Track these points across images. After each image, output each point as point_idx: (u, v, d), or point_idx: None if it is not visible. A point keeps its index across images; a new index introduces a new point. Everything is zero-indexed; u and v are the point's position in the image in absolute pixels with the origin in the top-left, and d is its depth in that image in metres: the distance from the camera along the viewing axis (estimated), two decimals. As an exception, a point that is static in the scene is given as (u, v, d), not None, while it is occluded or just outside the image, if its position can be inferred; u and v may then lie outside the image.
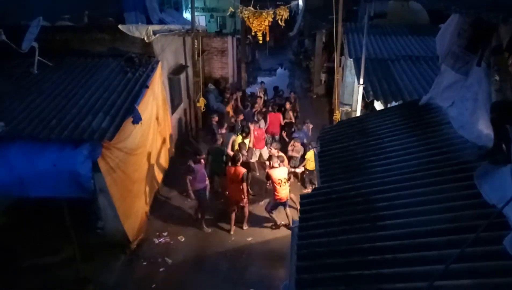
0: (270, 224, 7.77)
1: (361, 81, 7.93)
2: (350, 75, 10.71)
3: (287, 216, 7.57)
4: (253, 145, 9.06)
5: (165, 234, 7.57)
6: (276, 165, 7.03)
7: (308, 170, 8.76)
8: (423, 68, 8.69)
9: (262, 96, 12.10)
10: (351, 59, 9.47)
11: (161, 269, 6.74)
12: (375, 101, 8.15)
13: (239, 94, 11.98)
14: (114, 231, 6.87)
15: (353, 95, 10.29)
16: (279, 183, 7.06)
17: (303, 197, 4.29)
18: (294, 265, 3.17)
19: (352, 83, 10.45)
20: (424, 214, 3.35)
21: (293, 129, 10.33)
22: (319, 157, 5.33)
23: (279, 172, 7.05)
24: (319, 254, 3.22)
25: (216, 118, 10.09)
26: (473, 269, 2.59)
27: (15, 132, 5.96)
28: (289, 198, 7.45)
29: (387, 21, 10.65)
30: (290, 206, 7.76)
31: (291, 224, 7.47)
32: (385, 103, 7.33)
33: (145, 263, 6.86)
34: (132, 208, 7.12)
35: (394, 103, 7.28)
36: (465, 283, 2.50)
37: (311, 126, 9.74)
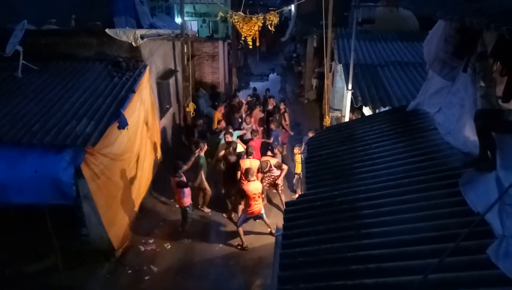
0: (258, 233, 7.65)
1: (350, 86, 7.91)
2: (341, 80, 10.69)
3: (268, 224, 7.45)
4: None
5: (151, 241, 7.44)
6: (252, 179, 6.89)
7: (297, 174, 8.70)
8: (412, 74, 8.71)
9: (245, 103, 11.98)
10: (341, 65, 9.46)
11: (146, 277, 6.60)
12: (364, 107, 8.14)
13: (223, 105, 11.82)
14: (99, 238, 6.71)
15: (343, 100, 10.28)
16: (253, 197, 6.88)
17: (288, 204, 4.23)
18: (276, 275, 3.09)
19: (342, 89, 10.43)
20: (409, 222, 3.30)
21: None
22: (306, 163, 5.27)
23: (254, 186, 6.90)
24: (302, 264, 3.15)
25: (201, 122, 9.92)
26: (456, 279, 2.54)
27: (-4, 137, 5.81)
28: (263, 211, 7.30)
29: (376, 27, 10.67)
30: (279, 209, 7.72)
31: (273, 231, 7.42)
32: (373, 108, 7.31)
33: (130, 271, 6.71)
34: (117, 215, 6.97)
35: (382, 109, 7.26)
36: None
37: None
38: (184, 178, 7.28)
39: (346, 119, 8.54)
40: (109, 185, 6.61)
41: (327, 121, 10.20)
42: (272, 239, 7.36)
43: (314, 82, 16.43)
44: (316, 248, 3.30)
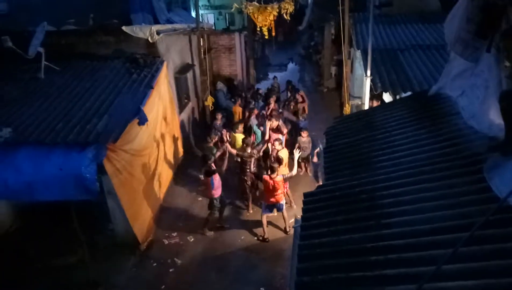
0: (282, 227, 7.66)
1: (368, 72, 7.71)
2: (360, 67, 10.44)
3: (285, 219, 7.43)
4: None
5: (174, 234, 7.56)
6: (273, 175, 6.88)
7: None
8: (434, 57, 8.40)
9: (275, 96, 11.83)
10: (360, 51, 9.23)
11: (171, 270, 6.73)
12: (384, 93, 7.93)
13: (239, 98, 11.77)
14: (124, 232, 6.89)
15: (363, 87, 10.06)
16: (272, 188, 6.92)
17: (306, 195, 4.17)
18: (295, 267, 3.06)
19: (361, 75, 10.17)
20: (431, 211, 3.20)
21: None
22: (324, 153, 5.20)
23: (276, 181, 6.92)
24: (320, 255, 3.11)
25: (220, 116, 9.94)
26: (480, 269, 2.44)
27: (22, 137, 6.01)
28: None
29: (396, 10, 10.36)
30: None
31: (288, 228, 7.39)
32: (393, 94, 7.12)
33: (155, 264, 6.86)
34: (141, 209, 7.12)
35: (403, 95, 7.06)
36: (470, 284, 2.35)
37: None
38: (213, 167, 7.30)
39: (366, 106, 8.35)
40: (131, 180, 6.74)
41: (347, 109, 10.01)
42: (293, 231, 7.36)
43: (333, 70, 16.17)
44: (335, 239, 3.24)
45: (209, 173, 7.08)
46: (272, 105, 10.40)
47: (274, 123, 8.99)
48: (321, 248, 3.19)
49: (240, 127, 8.91)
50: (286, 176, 7.28)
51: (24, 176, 5.73)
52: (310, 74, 19.16)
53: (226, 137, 8.49)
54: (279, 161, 7.41)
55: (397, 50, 8.86)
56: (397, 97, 7.11)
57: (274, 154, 7.90)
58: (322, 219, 3.63)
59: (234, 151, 8.07)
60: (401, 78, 7.49)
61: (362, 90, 10.42)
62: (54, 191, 5.73)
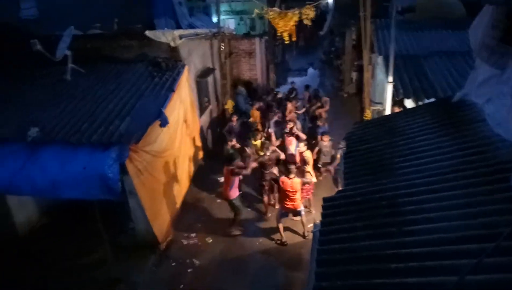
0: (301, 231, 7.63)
1: (390, 78, 7.63)
2: (381, 73, 10.34)
3: (303, 224, 7.39)
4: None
5: (193, 235, 7.64)
6: (291, 176, 6.87)
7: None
8: (458, 63, 8.25)
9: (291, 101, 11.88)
10: (381, 56, 9.15)
11: (189, 270, 6.80)
12: (406, 99, 7.83)
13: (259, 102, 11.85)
14: (144, 232, 7.01)
15: (384, 93, 9.96)
16: (288, 193, 6.92)
17: (326, 200, 4.16)
18: (314, 272, 3.06)
19: (383, 81, 10.07)
20: (455, 219, 3.14)
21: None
22: (344, 158, 5.17)
23: (291, 183, 6.89)
24: (340, 261, 3.09)
25: (235, 118, 10.06)
26: (505, 281, 2.38)
27: (48, 137, 6.21)
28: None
29: (418, 16, 10.22)
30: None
31: (306, 233, 7.35)
32: (416, 101, 7.01)
33: (173, 264, 6.96)
34: (161, 209, 7.22)
35: (426, 101, 6.95)
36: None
37: None
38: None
39: (388, 112, 8.26)
40: (152, 181, 6.86)
41: (367, 115, 9.92)
42: (311, 236, 7.32)
43: (354, 75, 16.05)
44: (354, 245, 3.22)
45: (236, 173, 7.17)
46: (289, 109, 10.42)
47: (289, 125, 9.02)
48: (341, 254, 3.18)
49: (260, 134, 8.98)
50: (305, 180, 7.26)
51: (50, 174, 5.91)
52: (331, 79, 19.10)
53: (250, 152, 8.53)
54: (304, 162, 7.45)
55: (420, 56, 8.74)
56: (420, 103, 7.00)
57: (299, 158, 7.89)
58: (341, 224, 3.61)
59: (254, 164, 8.02)
60: (424, 84, 7.39)
61: (383, 96, 10.31)
62: (77, 190, 5.88)
